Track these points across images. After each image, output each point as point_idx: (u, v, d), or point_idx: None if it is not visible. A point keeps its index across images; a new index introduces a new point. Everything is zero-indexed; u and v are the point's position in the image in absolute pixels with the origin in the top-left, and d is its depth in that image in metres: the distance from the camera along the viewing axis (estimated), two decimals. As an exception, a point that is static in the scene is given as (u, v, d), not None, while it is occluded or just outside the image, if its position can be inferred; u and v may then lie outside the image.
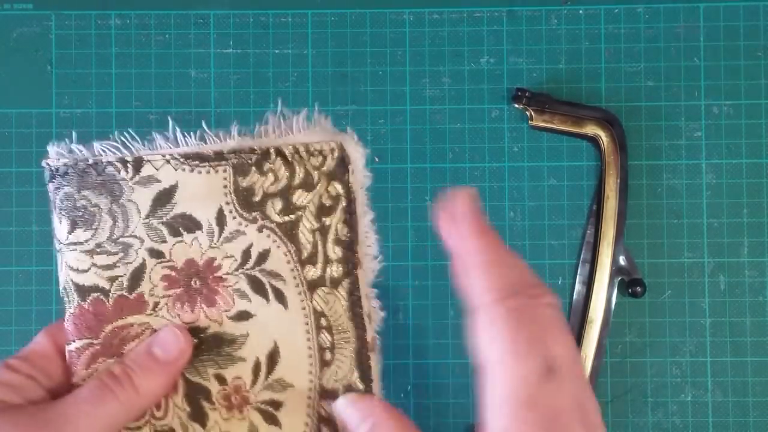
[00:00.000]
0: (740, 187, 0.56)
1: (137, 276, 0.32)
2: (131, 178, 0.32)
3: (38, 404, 0.30)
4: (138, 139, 0.33)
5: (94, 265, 0.32)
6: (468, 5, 0.56)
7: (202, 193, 0.32)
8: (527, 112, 0.55)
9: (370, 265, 0.33)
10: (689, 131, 0.56)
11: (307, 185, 0.32)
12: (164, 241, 0.32)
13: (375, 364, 0.33)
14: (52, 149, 0.33)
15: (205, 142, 0.33)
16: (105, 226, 0.32)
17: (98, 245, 0.32)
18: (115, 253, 0.32)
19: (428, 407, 0.54)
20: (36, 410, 0.29)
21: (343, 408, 0.31)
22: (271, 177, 0.32)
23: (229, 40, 0.57)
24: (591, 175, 0.56)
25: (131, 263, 0.32)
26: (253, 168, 0.32)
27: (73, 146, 0.32)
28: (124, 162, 0.32)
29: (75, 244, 0.32)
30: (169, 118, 0.34)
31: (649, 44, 0.56)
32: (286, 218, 0.32)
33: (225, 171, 0.32)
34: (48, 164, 0.32)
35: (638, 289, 0.53)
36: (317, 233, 0.32)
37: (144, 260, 0.32)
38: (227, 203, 0.32)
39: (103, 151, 0.32)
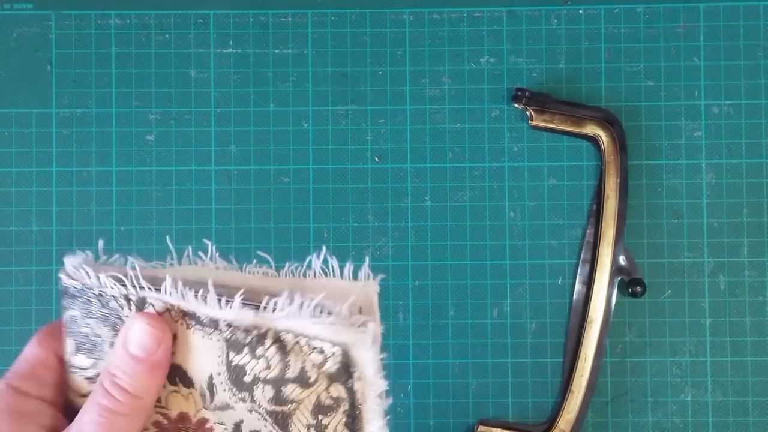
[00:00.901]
0: (740, 187, 0.56)
1: None
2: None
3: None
4: (146, 265, 0.31)
5: (89, 391, 0.30)
6: (468, 5, 0.56)
7: (196, 353, 0.30)
8: (527, 112, 0.55)
9: None
10: (689, 131, 0.56)
11: (303, 382, 0.29)
12: (162, 388, 0.30)
13: None
14: (68, 262, 0.31)
15: (205, 303, 0.29)
16: (106, 358, 0.30)
17: (98, 375, 0.30)
18: None
19: (428, 407, 0.55)
20: None
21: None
22: (262, 363, 0.29)
23: (229, 40, 0.57)
24: (591, 175, 0.56)
25: None
26: (246, 348, 0.29)
27: (84, 268, 0.31)
28: (128, 300, 0.30)
29: (76, 368, 0.31)
30: (168, 241, 0.31)
31: (649, 44, 0.56)
32: (277, 408, 0.29)
33: (218, 342, 0.29)
34: (61, 279, 0.31)
35: (638, 289, 0.53)
36: (312, 429, 0.29)
37: None
38: (218, 374, 0.29)
39: (112, 284, 0.30)
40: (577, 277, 0.55)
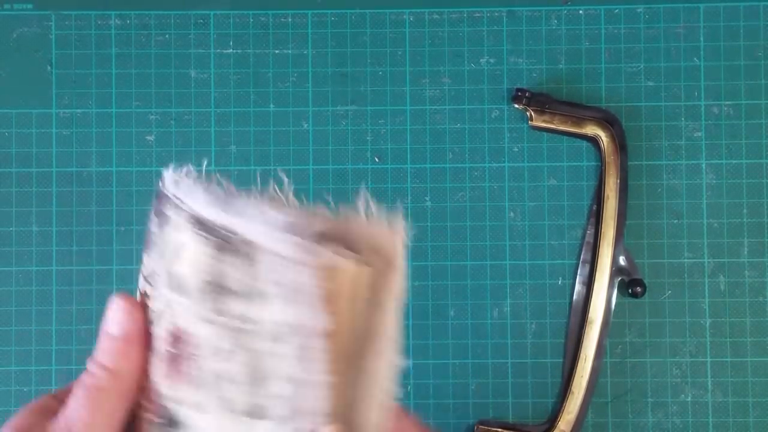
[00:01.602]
0: (740, 187, 0.56)
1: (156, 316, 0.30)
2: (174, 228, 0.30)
3: (46, 425, 0.29)
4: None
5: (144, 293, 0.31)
6: (468, 5, 0.56)
7: None
8: (527, 113, 0.55)
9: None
10: (689, 131, 0.56)
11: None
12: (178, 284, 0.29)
13: None
14: (167, 175, 0.32)
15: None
16: (152, 256, 0.30)
17: (153, 274, 0.30)
18: (151, 286, 0.30)
19: (428, 407, 0.54)
20: None
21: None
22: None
23: (229, 41, 0.57)
24: (591, 175, 0.56)
25: (155, 301, 0.30)
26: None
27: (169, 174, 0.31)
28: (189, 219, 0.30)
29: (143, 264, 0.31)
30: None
31: (649, 44, 0.56)
32: None
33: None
34: (163, 178, 0.31)
35: (638, 289, 0.53)
36: None
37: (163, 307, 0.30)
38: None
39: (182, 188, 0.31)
40: (577, 277, 0.55)
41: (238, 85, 0.56)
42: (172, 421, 0.30)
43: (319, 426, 0.27)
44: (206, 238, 0.29)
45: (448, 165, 0.56)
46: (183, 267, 0.29)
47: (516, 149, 0.56)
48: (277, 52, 0.57)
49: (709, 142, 0.56)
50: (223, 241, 0.28)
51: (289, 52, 0.56)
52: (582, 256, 0.55)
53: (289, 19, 0.57)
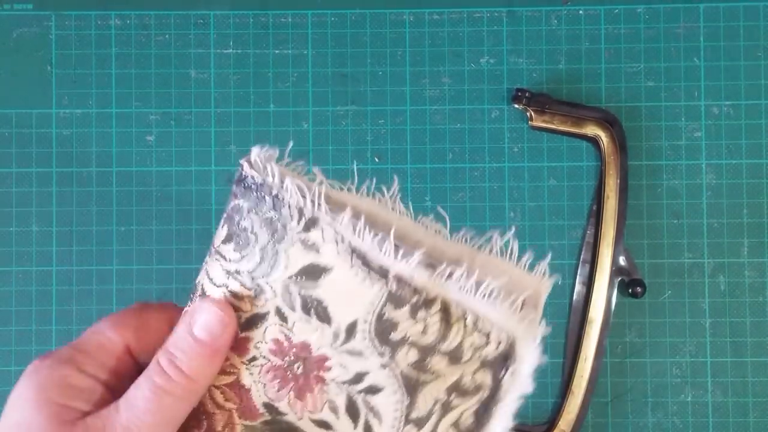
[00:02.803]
0: (740, 187, 0.56)
1: (255, 321, 0.29)
2: (299, 232, 0.29)
3: (102, 413, 0.28)
4: (327, 181, 0.30)
5: (226, 287, 0.30)
6: (468, 5, 0.56)
7: (348, 293, 0.28)
8: (527, 113, 0.55)
9: None
10: (689, 131, 0.56)
11: (454, 357, 0.28)
12: (293, 310, 0.29)
13: None
14: (254, 153, 0.30)
15: (380, 249, 0.28)
16: (252, 259, 0.29)
17: (238, 272, 0.29)
18: (249, 290, 0.29)
19: (428, 407, 0.54)
20: (102, 425, 0.28)
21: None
22: (419, 326, 0.28)
23: (229, 41, 0.57)
24: (591, 175, 0.56)
25: (258, 306, 0.29)
26: (408, 307, 0.28)
27: (271, 165, 0.29)
28: (300, 213, 0.29)
29: (222, 257, 0.30)
30: (354, 167, 0.30)
31: (649, 44, 0.56)
32: (415, 374, 0.28)
33: (381, 291, 0.28)
34: (242, 166, 0.30)
35: (638, 289, 0.53)
36: (439, 404, 0.28)
37: (269, 312, 0.29)
38: (365, 321, 0.28)
39: (294, 191, 0.29)
40: (577, 277, 0.55)
41: (238, 85, 0.56)
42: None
43: None
44: (370, 274, 0.28)
45: (448, 165, 0.56)
46: (328, 294, 0.28)
47: (516, 149, 0.56)
48: (277, 52, 0.57)
49: (709, 142, 0.56)
50: (397, 288, 0.28)
51: (289, 52, 0.56)
52: (582, 256, 0.55)
53: (289, 19, 0.57)
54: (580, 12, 0.56)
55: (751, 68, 0.56)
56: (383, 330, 0.28)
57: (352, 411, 0.29)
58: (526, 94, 0.54)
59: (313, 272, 0.29)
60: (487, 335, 0.28)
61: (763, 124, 0.56)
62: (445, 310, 0.28)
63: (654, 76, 0.56)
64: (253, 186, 0.29)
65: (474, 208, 0.56)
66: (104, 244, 0.55)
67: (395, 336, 0.28)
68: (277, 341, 0.29)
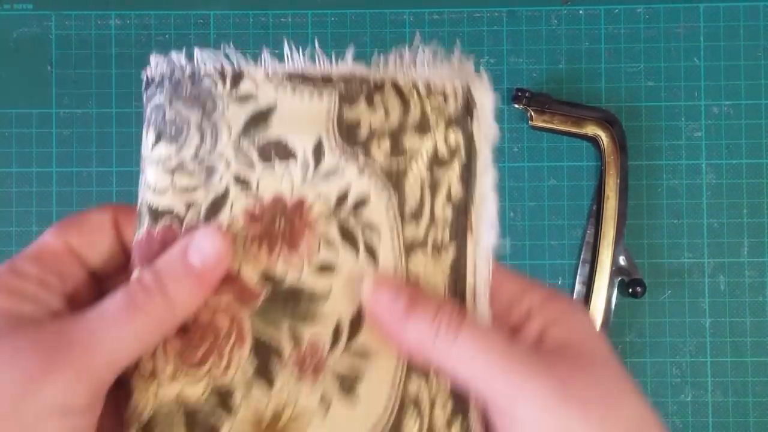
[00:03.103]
0: (740, 187, 0.56)
1: (218, 204, 0.28)
2: (227, 94, 0.29)
3: (58, 318, 0.26)
4: (242, 53, 0.31)
5: (173, 186, 0.29)
6: (468, 5, 0.56)
7: (301, 117, 0.28)
8: (527, 113, 0.55)
9: (483, 235, 0.29)
10: (689, 131, 0.56)
11: (422, 128, 0.28)
12: (252, 168, 0.28)
13: None
14: (153, 58, 0.30)
15: (315, 63, 0.29)
16: (191, 142, 0.29)
17: (180, 164, 0.29)
18: (198, 175, 0.29)
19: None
20: (58, 327, 0.25)
21: (368, 295, 0.28)
22: (381, 112, 0.28)
23: (229, 40, 0.56)
24: (591, 175, 0.56)
25: (213, 189, 0.28)
26: (363, 98, 0.29)
27: (174, 55, 0.30)
28: (222, 75, 0.29)
29: (158, 160, 0.29)
30: (284, 38, 0.31)
31: (649, 44, 0.56)
32: (393, 162, 0.28)
33: (330, 96, 0.29)
34: (145, 73, 0.30)
35: (638, 289, 0.53)
36: (426, 187, 0.28)
37: (227, 188, 0.28)
38: (327, 132, 0.28)
39: (203, 62, 0.29)
40: (577, 277, 0.55)
41: (238, 85, 0.56)
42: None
43: None
44: (315, 87, 0.29)
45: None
46: (282, 129, 0.28)
47: (516, 149, 0.56)
48: (277, 52, 0.56)
49: (709, 142, 0.56)
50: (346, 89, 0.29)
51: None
52: (582, 256, 0.55)
53: (289, 19, 0.57)
54: (580, 12, 0.56)
55: (751, 68, 0.56)
56: (348, 133, 0.28)
57: (349, 237, 0.28)
58: (526, 94, 0.54)
59: (259, 118, 0.29)
60: (443, 93, 0.29)
61: (763, 124, 0.56)
62: (396, 87, 0.29)
63: (654, 76, 0.56)
64: (164, 80, 0.29)
65: (474, 208, 0.56)
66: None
67: (362, 133, 0.28)
68: (246, 212, 0.28)
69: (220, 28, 0.56)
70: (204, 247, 0.27)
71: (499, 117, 0.60)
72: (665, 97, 0.56)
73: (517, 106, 0.54)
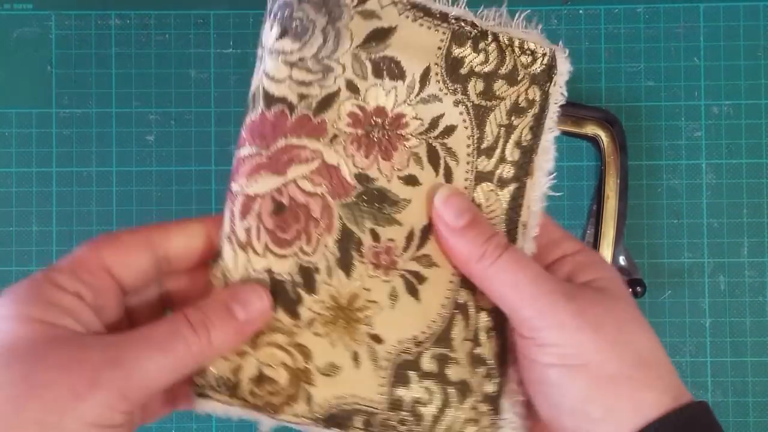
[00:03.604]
0: (740, 187, 0.56)
1: (328, 102, 0.31)
2: (354, 6, 0.31)
3: (101, 336, 0.27)
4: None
5: (290, 78, 0.31)
6: (468, 5, 0.56)
7: (417, 44, 0.32)
8: (527, 112, 0.55)
9: (541, 179, 0.34)
10: (689, 131, 0.56)
11: (511, 79, 0.33)
12: (365, 78, 0.32)
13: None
14: None
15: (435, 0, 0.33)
16: (314, 42, 0.31)
17: (301, 59, 0.31)
18: (315, 73, 0.31)
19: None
20: (103, 346, 0.26)
21: (440, 202, 0.32)
22: (482, 56, 0.32)
23: (229, 40, 0.56)
24: (591, 175, 0.56)
25: (327, 87, 0.31)
26: (470, 41, 0.32)
27: None
28: None
29: (279, 52, 0.31)
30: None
31: (649, 44, 0.56)
32: (483, 102, 0.32)
33: (444, 34, 0.32)
34: None
35: (638, 289, 0.53)
36: (503, 129, 0.33)
37: (339, 89, 0.31)
38: (436, 64, 0.32)
39: None
40: (577, 277, 0.55)
41: (238, 85, 0.56)
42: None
43: None
44: (433, 22, 0.32)
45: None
46: (398, 50, 0.32)
47: (516, 149, 0.56)
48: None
49: (709, 142, 0.56)
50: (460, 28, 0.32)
51: (289, 52, 0.56)
52: (582, 256, 0.55)
53: (289, 19, 0.56)
54: (580, 12, 0.56)
55: (751, 68, 0.56)
56: (453, 68, 0.32)
57: (434, 158, 0.32)
58: (526, 94, 0.54)
59: (379, 36, 0.32)
60: (533, 53, 0.33)
61: (763, 124, 0.56)
62: (497, 39, 0.33)
63: (654, 76, 0.56)
64: None
65: (474, 208, 0.56)
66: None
67: (463, 70, 0.32)
68: (352, 114, 0.32)
69: (220, 28, 0.56)
70: (250, 302, 0.30)
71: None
72: (665, 97, 0.56)
73: (517, 106, 0.54)
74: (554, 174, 0.35)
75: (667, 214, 0.56)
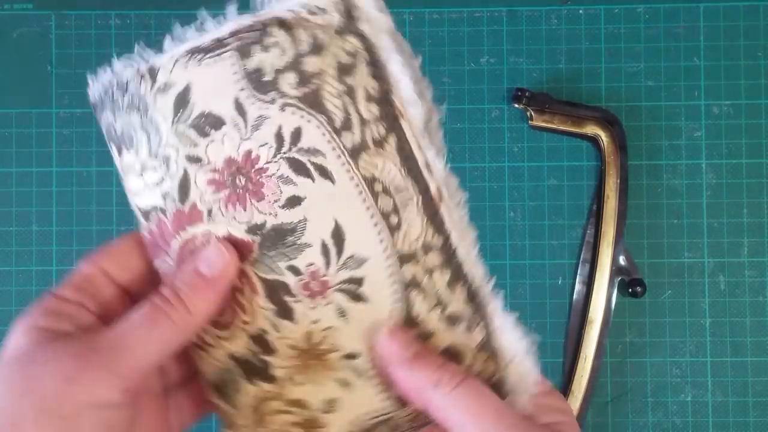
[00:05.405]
0: (740, 187, 0.56)
1: (184, 186, 0.31)
2: (151, 89, 0.31)
3: (90, 331, 0.30)
4: (152, 48, 0.33)
5: (146, 185, 0.32)
6: (468, 5, 0.56)
7: (214, 86, 0.30)
8: (527, 112, 0.55)
9: (415, 111, 0.31)
10: (689, 131, 0.56)
11: (317, 49, 0.30)
12: (196, 145, 0.31)
13: (449, 213, 0.33)
14: (90, 82, 0.33)
15: (205, 30, 0.32)
16: (142, 142, 0.32)
17: (143, 165, 0.32)
18: (159, 168, 0.31)
19: (428, 407, 0.54)
20: (89, 337, 0.29)
21: (386, 339, 0.31)
22: (276, 51, 0.30)
23: (229, 40, 0.56)
24: (591, 175, 0.56)
25: (174, 175, 0.31)
26: (257, 47, 0.30)
27: (100, 73, 0.33)
28: (140, 74, 0.32)
29: (127, 167, 0.32)
30: (171, 18, 0.32)
31: (649, 44, 0.56)
32: (305, 89, 0.30)
33: (231, 57, 0.30)
34: (88, 98, 0.33)
35: (638, 289, 0.53)
36: (344, 96, 0.30)
37: (185, 169, 0.31)
38: (242, 89, 0.30)
39: (123, 65, 0.33)
40: (577, 277, 0.55)
41: (238, 85, 0.56)
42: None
43: None
44: (220, 55, 0.31)
45: (448, 164, 0.56)
46: (201, 101, 0.31)
47: (516, 149, 0.56)
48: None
49: (709, 142, 0.56)
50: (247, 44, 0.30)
51: (289, 51, 0.56)
52: (582, 256, 0.55)
53: (289, 19, 0.56)
54: (580, 11, 0.56)
55: (751, 68, 0.56)
56: (257, 81, 0.30)
57: (299, 168, 0.30)
58: (526, 94, 0.54)
59: (181, 101, 0.31)
60: (322, 8, 0.30)
61: (763, 124, 0.56)
62: (281, 22, 0.30)
63: (654, 76, 0.56)
64: (102, 98, 0.33)
65: (474, 207, 0.55)
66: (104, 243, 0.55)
67: (268, 76, 0.30)
68: (210, 181, 0.31)
69: (220, 28, 0.56)
70: (212, 258, 0.30)
71: (500, 117, 0.61)
72: (665, 96, 0.56)
73: (517, 105, 0.55)
74: (442, 101, 0.33)
75: (667, 214, 0.56)
